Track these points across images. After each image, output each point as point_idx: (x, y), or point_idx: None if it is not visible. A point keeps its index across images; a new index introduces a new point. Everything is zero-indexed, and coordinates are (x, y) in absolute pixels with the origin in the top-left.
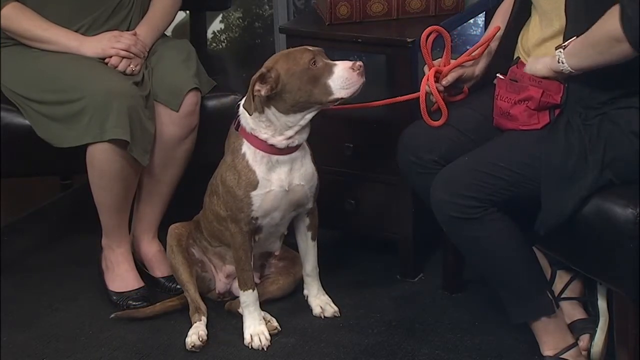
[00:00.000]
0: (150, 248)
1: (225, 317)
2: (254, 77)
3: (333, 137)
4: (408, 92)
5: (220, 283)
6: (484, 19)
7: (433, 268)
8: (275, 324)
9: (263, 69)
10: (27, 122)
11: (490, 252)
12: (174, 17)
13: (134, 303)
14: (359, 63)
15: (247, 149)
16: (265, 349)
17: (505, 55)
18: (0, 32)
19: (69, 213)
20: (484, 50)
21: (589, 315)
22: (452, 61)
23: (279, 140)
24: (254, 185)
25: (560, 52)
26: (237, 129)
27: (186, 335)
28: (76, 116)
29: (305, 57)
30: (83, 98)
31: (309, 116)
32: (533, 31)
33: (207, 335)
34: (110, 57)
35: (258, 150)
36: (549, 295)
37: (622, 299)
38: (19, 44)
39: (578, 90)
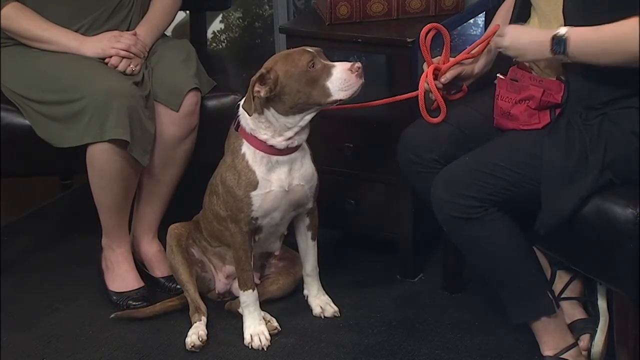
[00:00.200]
0: (150, 248)
1: (225, 317)
2: (254, 77)
3: (333, 137)
4: (408, 92)
5: (220, 283)
6: (484, 19)
7: (433, 268)
8: (275, 324)
9: (263, 70)
10: (27, 122)
11: (491, 252)
12: (174, 17)
13: (134, 303)
14: (357, 65)
15: (246, 149)
16: (265, 349)
17: (505, 55)
18: (0, 32)
19: (69, 213)
20: (484, 49)
21: (589, 315)
22: (451, 59)
23: (279, 141)
24: (254, 185)
25: (565, 30)
26: (236, 129)
27: (186, 335)
28: (76, 116)
29: (303, 59)
30: (83, 98)
31: (308, 117)
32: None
33: (207, 335)
34: (110, 57)
35: (258, 151)
36: (549, 295)
37: (622, 299)
38: (19, 44)
39: (579, 90)
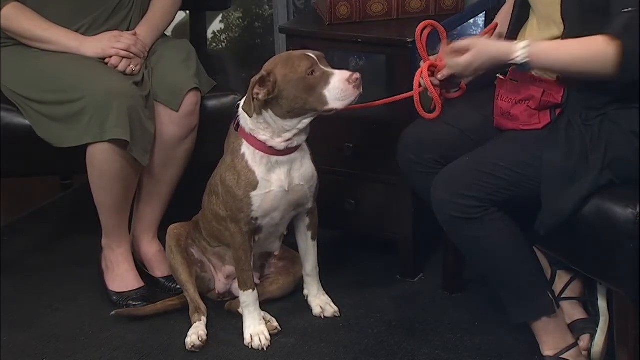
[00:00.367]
0: (150, 248)
1: (225, 317)
2: (254, 79)
3: (333, 137)
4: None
5: (220, 283)
6: (484, 19)
7: (433, 268)
8: (275, 324)
9: (263, 72)
10: (27, 122)
11: (491, 252)
12: (174, 17)
13: (134, 303)
14: (355, 76)
15: (246, 149)
16: (265, 349)
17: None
18: (0, 32)
19: (69, 213)
20: None
21: (589, 315)
22: None
23: (278, 142)
24: (254, 185)
25: (524, 50)
26: (236, 129)
27: (186, 335)
28: (76, 116)
29: (303, 65)
30: (83, 98)
31: (305, 121)
32: (531, 34)
33: (207, 335)
34: (110, 57)
35: (257, 151)
36: (549, 295)
37: (622, 299)
38: (19, 44)
39: (579, 90)
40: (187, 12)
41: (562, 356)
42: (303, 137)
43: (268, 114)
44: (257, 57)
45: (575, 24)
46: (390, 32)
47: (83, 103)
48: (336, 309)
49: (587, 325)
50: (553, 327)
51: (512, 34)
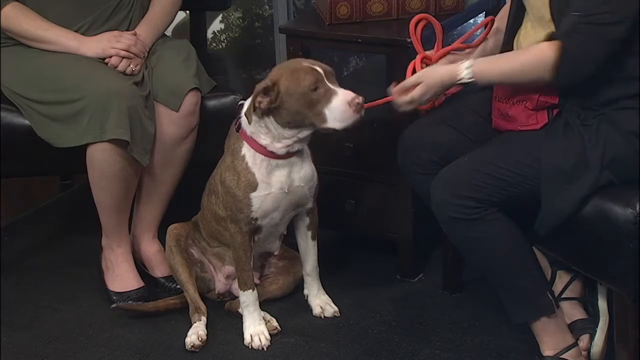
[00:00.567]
0: (150, 248)
1: (225, 317)
2: (258, 88)
3: (333, 137)
4: None
5: (220, 284)
6: (483, 19)
7: (433, 268)
8: (275, 324)
9: (268, 82)
10: (27, 122)
11: (490, 252)
12: (174, 17)
13: (134, 303)
14: (357, 100)
15: (247, 151)
16: (265, 349)
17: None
18: (0, 32)
19: (69, 213)
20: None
21: (589, 315)
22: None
23: (278, 148)
24: (254, 187)
25: (468, 70)
26: (237, 130)
27: (186, 335)
28: (76, 116)
29: (307, 79)
30: (83, 98)
31: (305, 132)
32: (525, 35)
33: (207, 335)
34: (110, 57)
35: (258, 154)
36: (549, 295)
37: (622, 299)
38: (19, 44)
39: (575, 91)
40: (187, 12)
41: (562, 356)
42: (304, 144)
43: (269, 120)
44: (257, 57)
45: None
46: (390, 32)
47: (83, 103)
48: (336, 309)
49: (587, 325)
50: (553, 327)
51: (510, 35)
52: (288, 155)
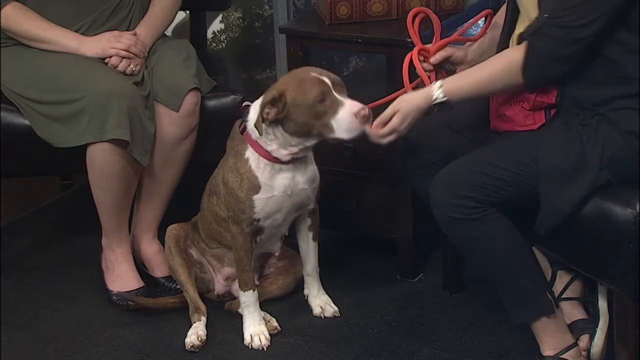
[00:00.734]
0: (150, 248)
1: (225, 317)
2: (265, 99)
3: None
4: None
5: (219, 285)
6: (483, 18)
7: (433, 268)
8: (275, 324)
9: (275, 93)
10: (27, 122)
11: (490, 252)
12: (174, 17)
13: (132, 303)
14: (364, 112)
15: (250, 154)
16: (265, 349)
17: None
18: (0, 32)
19: (69, 213)
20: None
21: (589, 315)
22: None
23: (284, 155)
24: (257, 189)
25: (440, 89)
26: (242, 133)
27: (186, 336)
28: (76, 116)
29: (314, 91)
30: (83, 98)
31: (313, 141)
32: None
33: (207, 335)
34: (110, 57)
35: (262, 158)
36: (549, 295)
37: (622, 299)
38: (19, 44)
39: (571, 91)
40: (187, 12)
41: (562, 356)
42: (309, 151)
43: (277, 129)
44: (257, 57)
45: None
46: (390, 32)
47: (83, 103)
48: (336, 308)
49: (587, 325)
50: (553, 327)
51: (506, 37)
52: (292, 160)
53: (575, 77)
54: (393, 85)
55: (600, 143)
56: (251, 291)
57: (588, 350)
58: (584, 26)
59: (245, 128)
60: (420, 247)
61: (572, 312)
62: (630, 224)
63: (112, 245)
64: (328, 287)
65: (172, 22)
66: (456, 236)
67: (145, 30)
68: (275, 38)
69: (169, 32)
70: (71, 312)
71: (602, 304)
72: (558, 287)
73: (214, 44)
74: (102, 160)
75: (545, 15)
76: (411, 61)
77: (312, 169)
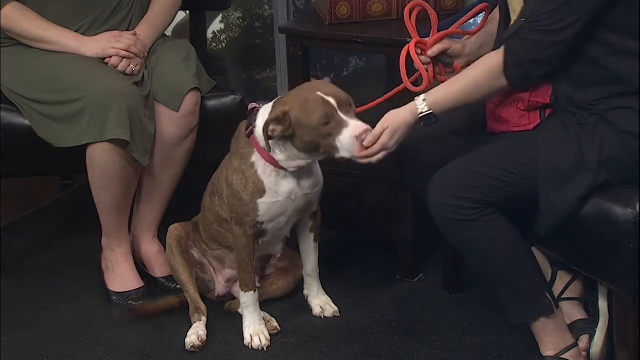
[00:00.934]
0: (150, 248)
1: (225, 317)
2: (270, 117)
3: None
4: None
5: (220, 286)
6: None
7: (433, 268)
8: (275, 324)
9: (279, 113)
10: (27, 122)
11: (488, 252)
12: (174, 17)
13: (134, 303)
14: (363, 136)
15: (257, 159)
16: (265, 349)
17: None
18: (0, 32)
19: (69, 213)
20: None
21: (589, 315)
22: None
23: (291, 166)
24: (262, 193)
25: (423, 103)
26: (248, 136)
27: (186, 336)
28: (76, 116)
29: (317, 114)
30: (83, 98)
31: (321, 156)
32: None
33: (207, 336)
34: (110, 57)
35: (268, 164)
36: (548, 295)
37: (622, 299)
38: (19, 44)
39: (566, 90)
40: (187, 12)
41: (562, 356)
42: (316, 162)
43: (287, 143)
44: (257, 57)
45: None
46: (390, 32)
47: (83, 103)
48: (336, 309)
49: (587, 325)
50: (552, 328)
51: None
52: (297, 169)
53: (566, 78)
54: (393, 85)
55: (597, 143)
56: (252, 292)
57: (588, 350)
58: (560, 30)
59: (252, 132)
60: (420, 247)
61: (572, 312)
62: (630, 224)
63: (112, 245)
64: (328, 287)
65: (172, 22)
66: (455, 237)
67: (145, 30)
68: (275, 38)
69: (169, 32)
70: (71, 312)
71: (603, 304)
72: (558, 287)
73: (214, 44)
74: (102, 160)
75: (522, 20)
76: (409, 55)
77: (317, 173)
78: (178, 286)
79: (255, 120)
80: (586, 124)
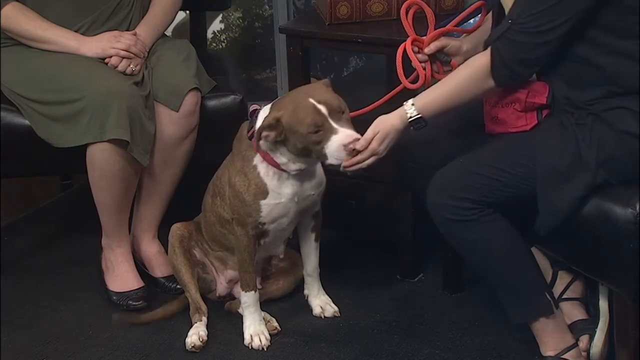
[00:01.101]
0: (150, 248)
1: (225, 317)
2: (263, 123)
3: None
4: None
5: (221, 286)
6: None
7: (433, 268)
8: (275, 324)
9: (271, 119)
10: (27, 122)
11: (488, 253)
12: (174, 18)
13: (134, 303)
14: (351, 145)
15: (259, 162)
16: (265, 349)
17: None
18: (0, 32)
19: (69, 213)
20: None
21: (590, 316)
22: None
23: (292, 168)
24: (264, 195)
25: (412, 108)
26: (249, 138)
27: (186, 336)
28: (76, 116)
29: (307, 121)
30: (83, 98)
31: (318, 161)
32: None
33: (207, 336)
34: (110, 57)
35: (270, 166)
36: (548, 296)
37: (622, 299)
38: (19, 44)
39: (562, 91)
40: (187, 12)
41: (562, 356)
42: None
43: (283, 147)
44: (257, 57)
45: None
46: (390, 32)
47: (83, 103)
48: (336, 309)
49: (587, 326)
50: (552, 328)
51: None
52: (299, 172)
53: (563, 78)
54: (393, 86)
55: (595, 142)
56: (252, 292)
57: (588, 350)
58: (546, 31)
59: (253, 134)
60: (420, 247)
61: (573, 312)
62: (630, 224)
63: (112, 245)
64: (328, 287)
65: (172, 22)
66: (454, 237)
67: (145, 30)
68: (275, 38)
69: (169, 32)
70: (71, 312)
71: (603, 304)
72: (559, 287)
73: (214, 44)
74: (102, 160)
75: (509, 21)
76: (406, 53)
77: (320, 173)
78: (178, 286)
79: (256, 122)
80: (584, 124)
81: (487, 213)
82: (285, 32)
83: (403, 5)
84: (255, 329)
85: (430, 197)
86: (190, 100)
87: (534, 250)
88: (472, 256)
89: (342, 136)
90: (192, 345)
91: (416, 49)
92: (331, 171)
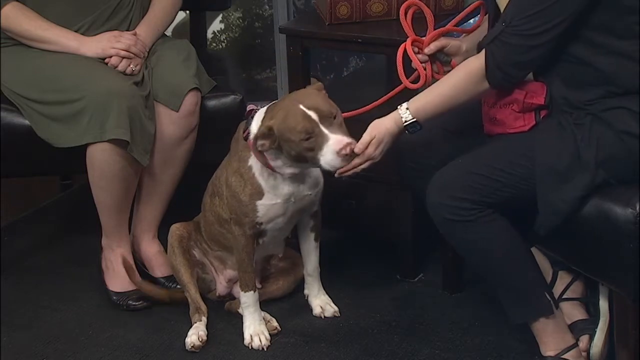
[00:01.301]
0: (150, 248)
1: (225, 317)
2: (257, 133)
3: None
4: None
5: (221, 286)
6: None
7: (433, 268)
8: (275, 324)
9: (264, 129)
10: (27, 122)
11: (487, 253)
12: (174, 18)
13: (134, 303)
14: (345, 151)
15: (254, 163)
16: (265, 349)
17: None
18: (0, 32)
19: (69, 213)
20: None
21: (590, 316)
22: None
23: (287, 172)
24: (260, 195)
25: (406, 112)
26: (245, 139)
27: (186, 336)
28: (76, 116)
29: (298, 129)
30: (83, 98)
31: (314, 166)
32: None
33: (207, 336)
34: (110, 57)
35: (265, 167)
36: (548, 296)
37: (622, 299)
38: (19, 44)
39: (560, 92)
40: (187, 12)
41: (562, 356)
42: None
43: (279, 153)
44: (257, 57)
45: None
46: (390, 32)
47: (83, 103)
48: (336, 308)
49: (587, 326)
50: (552, 328)
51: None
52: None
53: (560, 78)
54: (393, 86)
55: (594, 142)
56: (252, 292)
57: (588, 350)
58: (540, 34)
59: (249, 135)
60: (420, 247)
61: (573, 312)
62: (630, 224)
63: (112, 245)
64: (328, 287)
65: (172, 22)
66: (454, 238)
67: (145, 30)
68: (275, 38)
69: (169, 32)
70: (71, 312)
71: (603, 304)
72: (559, 287)
73: (214, 44)
74: (102, 160)
75: (503, 24)
76: (406, 54)
77: (316, 173)
78: (178, 286)
79: (251, 123)
80: (582, 124)
81: (487, 213)
82: (285, 32)
83: (402, 6)
84: (255, 329)
85: (430, 197)
86: (190, 100)
87: (534, 250)
88: (472, 256)
89: (334, 142)
90: (192, 345)
91: (416, 49)
92: (331, 171)
